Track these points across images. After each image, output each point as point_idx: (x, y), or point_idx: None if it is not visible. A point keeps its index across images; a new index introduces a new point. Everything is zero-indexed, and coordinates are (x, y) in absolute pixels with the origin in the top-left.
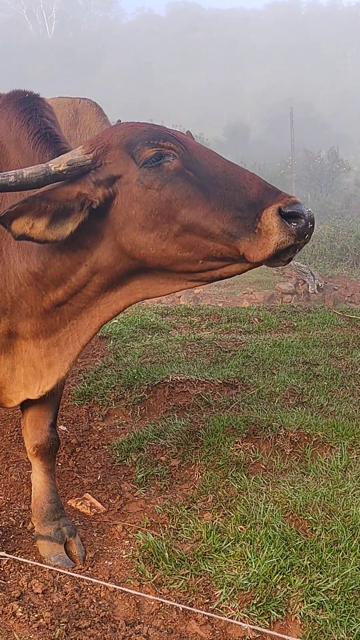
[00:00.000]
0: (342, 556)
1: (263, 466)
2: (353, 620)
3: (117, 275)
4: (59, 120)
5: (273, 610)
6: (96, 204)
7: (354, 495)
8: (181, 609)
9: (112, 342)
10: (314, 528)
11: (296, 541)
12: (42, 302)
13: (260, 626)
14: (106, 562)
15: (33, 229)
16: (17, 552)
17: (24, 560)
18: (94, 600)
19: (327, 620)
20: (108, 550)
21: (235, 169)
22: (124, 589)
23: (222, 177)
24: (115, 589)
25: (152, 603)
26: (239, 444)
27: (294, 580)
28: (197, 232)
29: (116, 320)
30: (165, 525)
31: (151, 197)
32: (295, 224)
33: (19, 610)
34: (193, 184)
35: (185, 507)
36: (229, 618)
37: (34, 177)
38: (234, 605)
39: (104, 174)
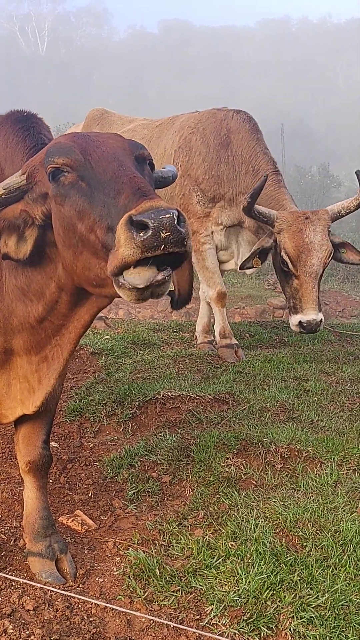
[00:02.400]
0: (332, 572)
1: (254, 482)
2: (343, 636)
3: (76, 291)
4: (209, 139)
5: (263, 626)
6: (38, 221)
7: (344, 510)
8: (172, 626)
9: (103, 358)
10: (304, 544)
11: (286, 557)
12: (28, 317)
13: None
14: (97, 579)
15: (8, 247)
16: (8, 570)
17: (15, 578)
18: (85, 617)
19: (317, 636)
20: (99, 567)
21: (122, 171)
22: (114, 606)
23: (108, 183)
24: (106, 605)
25: (143, 620)
26: (230, 459)
27: (284, 596)
28: (88, 247)
29: (108, 336)
30: (156, 542)
31: (60, 213)
32: (142, 234)
33: (10, 627)
34: (84, 195)
35: (176, 523)
36: (219, 635)
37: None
38: (224, 622)
39: (36, 192)
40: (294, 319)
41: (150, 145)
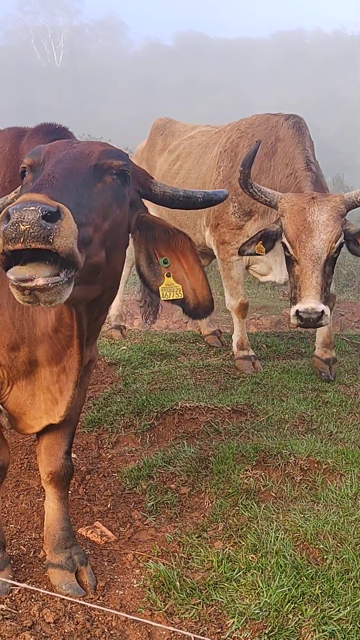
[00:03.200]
0: (353, 585)
1: (273, 494)
2: None
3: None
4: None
5: None
6: None
7: None
8: (193, 638)
9: (121, 368)
10: (325, 557)
11: (307, 570)
12: (47, 327)
13: None
14: (117, 591)
15: None
16: (28, 581)
17: (36, 589)
18: (106, 630)
19: None
20: (119, 579)
21: (47, 170)
22: (135, 617)
23: (42, 175)
24: (126, 618)
25: (164, 633)
26: (249, 471)
27: (306, 610)
28: None
29: (125, 347)
30: (176, 554)
31: None
32: (6, 224)
33: None
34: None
35: (196, 535)
36: None
37: (1, 205)
38: (245, 635)
39: None
40: (292, 310)
41: (205, 151)
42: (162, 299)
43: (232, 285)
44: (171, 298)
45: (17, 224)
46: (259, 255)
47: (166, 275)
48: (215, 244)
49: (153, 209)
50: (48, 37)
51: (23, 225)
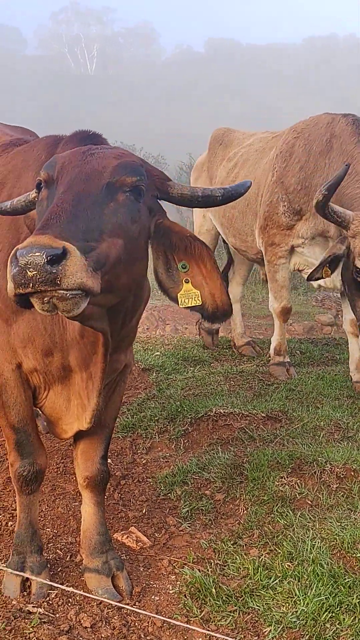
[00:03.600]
0: None
1: (309, 502)
2: None
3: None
4: (311, 146)
5: None
6: None
7: None
8: None
9: (154, 374)
10: None
11: (345, 579)
12: (74, 332)
13: None
14: (153, 597)
15: None
16: (65, 585)
17: (75, 591)
18: (142, 636)
19: None
20: (155, 585)
21: (58, 198)
22: (174, 621)
23: (49, 208)
24: (162, 624)
25: (200, 639)
26: (284, 478)
27: (344, 619)
28: None
29: (158, 353)
30: (212, 561)
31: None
32: (14, 270)
33: None
34: (40, 215)
35: (231, 542)
36: None
37: (19, 204)
38: None
39: None
40: None
41: (262, 156)
42: (181, 306)
43: (277, 289)
44: (190, 305)
45: (24, 271)
46: (325, 278)
47: (184, 281)
48: (264, 246)
49: (212, 216)
50: (81, 46)
51: (30, 271)
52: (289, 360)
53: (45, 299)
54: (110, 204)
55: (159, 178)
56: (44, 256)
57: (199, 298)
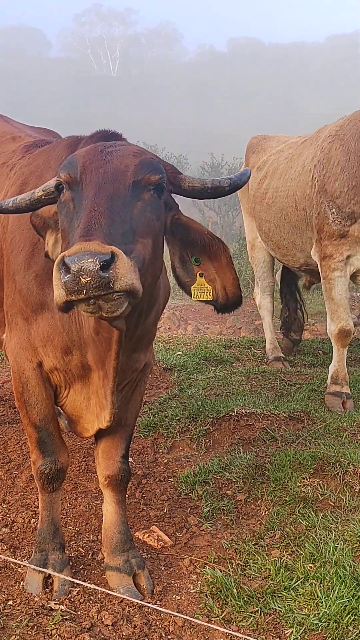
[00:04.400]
0: None
1: (331, 503)
2: None
3: None
4: (349, 145)
5: None
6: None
7: None
8: None
9: (176, 374)
10: None
11: None
12: (90, 329)
13: None
14: (174, 596)
15: (48, 246)
16: (86, 583)
17: (97, 587)
18: (163, 635)
19: None
20: (176, 585)
21: (92, 201)
22: (195, 620)
23: (80, 211)
24: (183, 623)
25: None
26: (307, 479)
27: None
28: None
29: (180, 352)
30: (233, 561)
31: (60, 224)
32: (66, 277)
33: None
34: (67, 217)
35: (253, 543)
36: None
37: (23, 202)
38: None
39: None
40: None
41: (291, 164)
42: (193, 298)
43: (334, 308)
44: (202, 299)
45: (77, 278)
46: None
47: (199, 274)
48: (318, 260)
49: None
50: (104, 47)
51: (83, 278)
52: (348, 391)
53: (91, 300)
54: (138, 204)
55: (172, 172)
56: (96, 262)
57: (211, 293)
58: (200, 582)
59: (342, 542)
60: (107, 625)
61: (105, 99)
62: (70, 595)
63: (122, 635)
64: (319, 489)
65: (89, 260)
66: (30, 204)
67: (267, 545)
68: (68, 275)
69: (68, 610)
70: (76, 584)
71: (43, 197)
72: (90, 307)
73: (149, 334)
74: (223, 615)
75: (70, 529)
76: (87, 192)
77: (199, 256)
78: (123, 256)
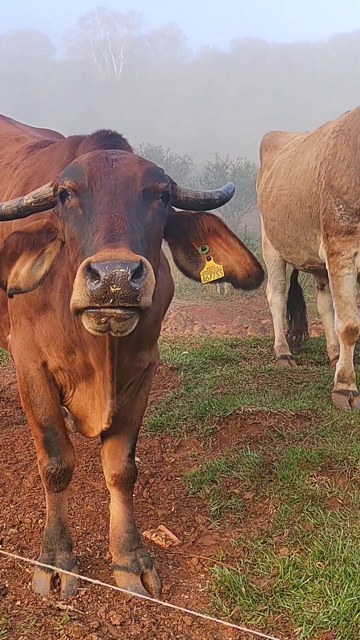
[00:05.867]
0: None
1: (340, 500)
2: None
3: None
4: (355, 139)
5: None
6: (60, 236)
7: None
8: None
9: (182, 373)
10: None
11: None
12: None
13: None
14: (182, 595)
15: (18, 272)
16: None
17: (106, 584)
18: (172, 634)
19: None
20: (184, 584)
21: (109, 207)
22: (204, 615)
23: (96, 217)
24: (192, 622)
25: (230, 638)
26: (314, 477)
27: None
28: (73, 275)
29: (186, 352)
30: (241, 560)
31: (64, 234)
32: (93, 284)
33: None
34: (78, 223)
35: (261, 541)
36: None
37: (9, 209)
38: None
39: (60, 206)
40: None
41: (294, 162)
42: (204, 282)
43: (341, 305)
44: (212, 279)
45: (107, 286)
46: None
47: (207, 259)
48: (326, 257)
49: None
50: (108, 50)
51: (114, 287)
52: (355, 389)
53: (103, 319)
54: (148, 212)
55: (170, 182)
56: (128, 272)
57: (221, 271)
58: (208, 581)
59: (350, 540)
60: (115, 625)
61: (109, 102)
62: (77, 595)
63: (130, 634)
64: (327, 486)
65: (121, 270)
66: (17, 212)
67: (275, 544)
68: (97, 283)
69: (76, 610)
70: (83, 583)
71: (33, 205)
72: (100, 326)
73: (150, 333)
74: (232, 613)
75: (77, 528)
76: (100, 197)
77: (203, 244)
78: (151, 268)
